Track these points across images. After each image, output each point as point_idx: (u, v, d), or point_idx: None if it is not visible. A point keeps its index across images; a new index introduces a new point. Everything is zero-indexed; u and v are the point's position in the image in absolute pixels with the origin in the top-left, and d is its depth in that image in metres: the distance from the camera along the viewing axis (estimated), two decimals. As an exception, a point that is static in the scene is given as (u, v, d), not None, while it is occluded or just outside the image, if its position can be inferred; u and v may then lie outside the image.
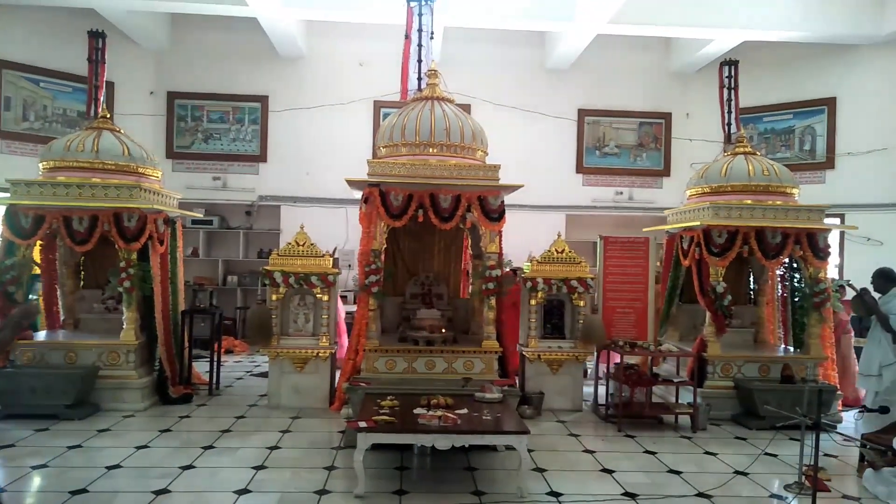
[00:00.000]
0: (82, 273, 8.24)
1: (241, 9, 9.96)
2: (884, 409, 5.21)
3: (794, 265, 7.76)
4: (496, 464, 5.54)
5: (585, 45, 11.36)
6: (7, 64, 10.60)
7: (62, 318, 7.92)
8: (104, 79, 8.39)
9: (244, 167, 12.26)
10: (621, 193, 12.66)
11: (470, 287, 8.14)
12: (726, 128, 9.14)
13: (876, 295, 6.35)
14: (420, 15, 8.69)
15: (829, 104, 11.44)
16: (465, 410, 5.27)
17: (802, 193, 8.25)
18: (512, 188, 6.95)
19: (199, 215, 11.05)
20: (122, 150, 7.37)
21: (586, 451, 6.02)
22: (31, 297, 4.06)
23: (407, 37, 8.78)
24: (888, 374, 5.98)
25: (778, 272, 8.15)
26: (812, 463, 4.62)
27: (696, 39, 11.37)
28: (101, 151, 7.26)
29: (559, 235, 7.90)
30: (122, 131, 7.74)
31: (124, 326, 7.11)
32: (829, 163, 11.44)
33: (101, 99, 8.32)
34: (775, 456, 5.87)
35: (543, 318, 7.65)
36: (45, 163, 7.36)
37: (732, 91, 9.16)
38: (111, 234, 6.95)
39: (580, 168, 12.68)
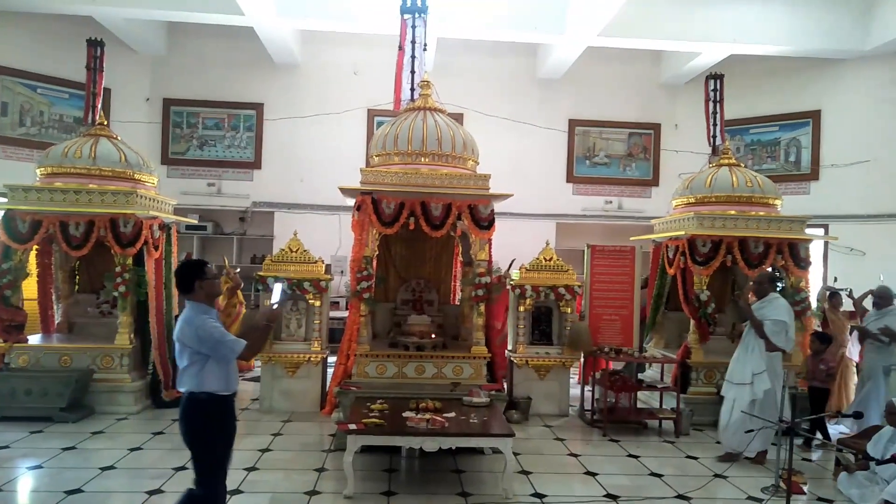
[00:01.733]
0: (77, 277, 8.35)
1: (238, 18, 10.11)
2: (858, 415, 5.38)
3: (777, 274, 7.93)
4: (483, 466, 5.68)
5: (576, 57, 11.54)
6: (4, 70, 10.68)
7: (57, 321, 8.03)
8: (102, 87, 8.50)
9: (239, 174, 12.38)
10: (611, 202, 12.83)
11: (460, 293, 8.29)
12: (712, 140, 9.33)
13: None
14: (413, 27, 8.83)
15: (814, 117, 11.65)
16: (452, 414, 5.40)
17: (788, 204, 8.45)
18: (502, 197, 7.11)
19: (194, 221, 11.12)
20: (118, 157, 7.50)
21: (571, 454, 6.16)
22: (273, 302, 3.90)
23: (401, 48, 8.92)
24: (759, 383, 5.81)
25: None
26: (789, 466, 4.77)
27: (685, 52, 11.57)
28: (99, 158, 7.38)
29: (547, 244, 8.07)
30: (118, 138, 7.86)
31: (119, 330, 7.22)
32: (814, 174, 11.64)
33: (99, 106, 8.43)
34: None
35: (532, 325, 7.80)
36: (42, 169, 7.48)
37: (718, 104, 9.36)
38: (107, 239, 7.08)
39: (570, 177, 12.85)
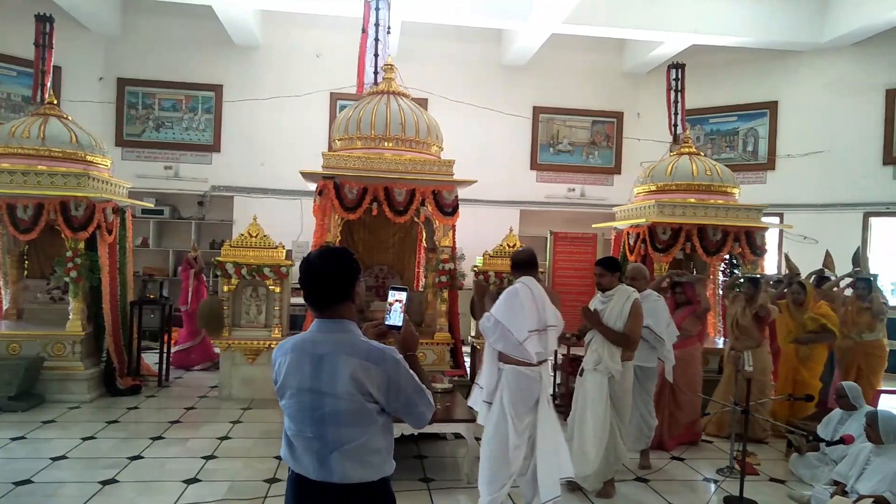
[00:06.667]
0: (26, 262, 8.07)
1: (196, -4, 9.82)
2: (809, 398, 5.54)
3: (734, 261, 8.11)
4: (445, 452, 5.69)
5: (541, 44, 11.55)
6: (-54, 45, 10.21)
7: (5, 308, 7.75)
8: (51, 64, 8.15)
9: (197, 157, 12.08)
10: (573, 190, 12.93)
11: (423, 280, 8.26)
12: (673, 128, 9.46)
13: None
14: (377, 9, 8.70)
15: (771, 108, 11.91)
16: (415, 400, 5.37)
17: (745, 193, 8.61)
18: (466, 183, 7.08)
19: (150, 205, 10.86)
20: (69, 138, 7.22)
21: (533, 439, 6.19)
22: (394, 320, 2.36)
23: (364, 31, 8.78)
24: (487, 416, 4.22)
25: (719, 268, 8.51)
26: (743, 448, 4.89)
27: (647, 41, 11.68)
28: (48, 138, 7.10)
29: (511, 230, 8.08)
30: (69, 118, 7.58)
31: (70, 317, 7.00)
32: (770, 164, 11.92)
33: (48, 84, 8.09)
34: (710, 442, 6.17)
35: (495, 311, 7.80)
36: (-13, 149, 7.16)
37: (679, 93, 9.47)
38: (58, 222, 6.82)
39: (534, 164, 12.90)
